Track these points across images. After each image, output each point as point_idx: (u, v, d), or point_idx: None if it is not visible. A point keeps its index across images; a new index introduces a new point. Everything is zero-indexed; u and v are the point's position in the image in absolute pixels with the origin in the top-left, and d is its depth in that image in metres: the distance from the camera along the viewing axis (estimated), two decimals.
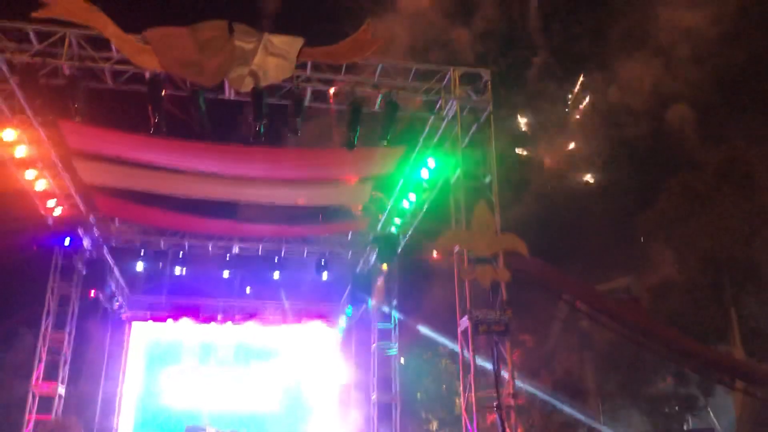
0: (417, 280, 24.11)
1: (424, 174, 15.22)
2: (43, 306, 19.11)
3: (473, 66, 13.90)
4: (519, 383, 13.84)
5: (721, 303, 27.89)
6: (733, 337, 27.12)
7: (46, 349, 18.86)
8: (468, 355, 12.35)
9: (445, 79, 13.52)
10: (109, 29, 11.27)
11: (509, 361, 12.39)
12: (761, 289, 26.58)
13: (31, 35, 11.93)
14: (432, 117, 14.17)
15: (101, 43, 12.09)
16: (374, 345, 21.38)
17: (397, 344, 20.95)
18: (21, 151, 14.43)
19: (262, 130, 12.62)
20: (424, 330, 26.19)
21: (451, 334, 13.90)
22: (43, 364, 18.66)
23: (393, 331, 21.07)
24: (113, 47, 12.04)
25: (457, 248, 13.12)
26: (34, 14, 10.70)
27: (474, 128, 13.85)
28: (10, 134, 13.89)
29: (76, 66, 11.96)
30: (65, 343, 19.43)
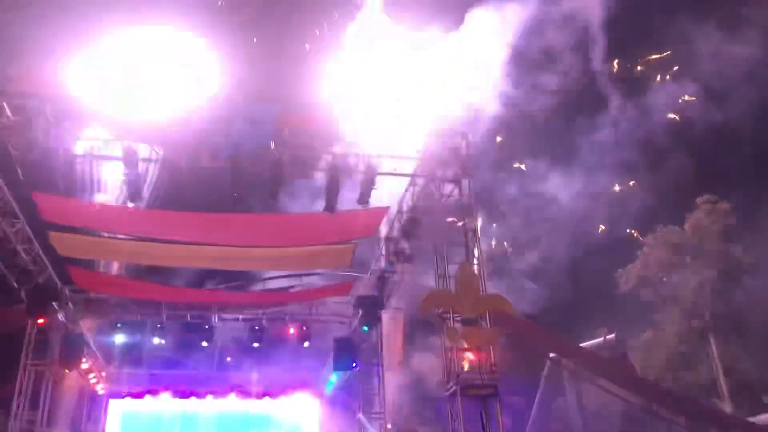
0: (403, 343, 23.64)
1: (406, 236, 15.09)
2: (15, 384, 18.36)
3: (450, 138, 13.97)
4: None
5: (708, 356, 27.81)
6: (721, 389, 26.93)
7: (18, 430, 18.05)
8: (456, 419, 12.03)
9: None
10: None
11: (499, 424, 12.06)
12: (746, 340, 26.61)
13: (6, 108, 11.84)
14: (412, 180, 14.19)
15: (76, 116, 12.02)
16: (360, 414, 20.77)
17: (383, 410, 20.37)
18: None
19: (240, 197, 12.55)
20: (411, 395, 25.56)
21: (440, 399, 13.56)
22: None
23: (379, 397, 20.51)
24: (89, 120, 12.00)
25: (441, 310, 12.93)
26: (9, 86, 10.66)
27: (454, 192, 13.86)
28: None
29: (51, 138, 11.85)
30: (38, 423, 18.64)
